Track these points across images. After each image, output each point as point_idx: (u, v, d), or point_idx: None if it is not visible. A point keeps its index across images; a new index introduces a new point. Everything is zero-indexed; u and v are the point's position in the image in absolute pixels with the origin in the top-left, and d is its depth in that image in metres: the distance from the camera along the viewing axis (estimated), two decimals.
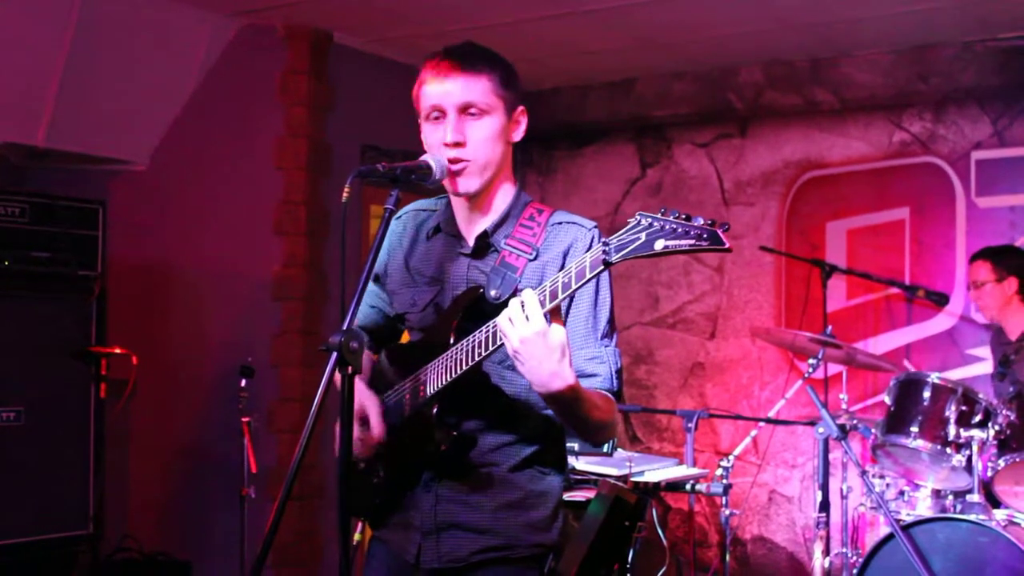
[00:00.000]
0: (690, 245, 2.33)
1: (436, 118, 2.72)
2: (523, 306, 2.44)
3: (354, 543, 2.96)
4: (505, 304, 2.53)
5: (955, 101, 6.67)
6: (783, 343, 6.21)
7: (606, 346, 2.74)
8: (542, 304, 2.44)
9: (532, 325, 2.42)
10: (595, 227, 2.79)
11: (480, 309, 2.66)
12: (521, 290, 2.52)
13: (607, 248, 2.37)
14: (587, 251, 2.63)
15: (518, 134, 2.85)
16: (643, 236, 2.35)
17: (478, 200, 2.78)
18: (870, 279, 6.32)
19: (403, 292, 2.87)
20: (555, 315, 2.49)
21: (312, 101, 6.34)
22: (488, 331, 2.54)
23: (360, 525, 2.93)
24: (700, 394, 7.29)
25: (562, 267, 2.68)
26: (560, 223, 2.79)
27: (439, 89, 2.72)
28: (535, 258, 2.73)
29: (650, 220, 2.35)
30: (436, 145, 2.70)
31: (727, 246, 2.31)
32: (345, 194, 2.49)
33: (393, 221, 2.88)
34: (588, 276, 2.40)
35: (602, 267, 2.39)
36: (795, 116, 7.14)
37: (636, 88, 7.57)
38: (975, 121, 6.62)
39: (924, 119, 6.76)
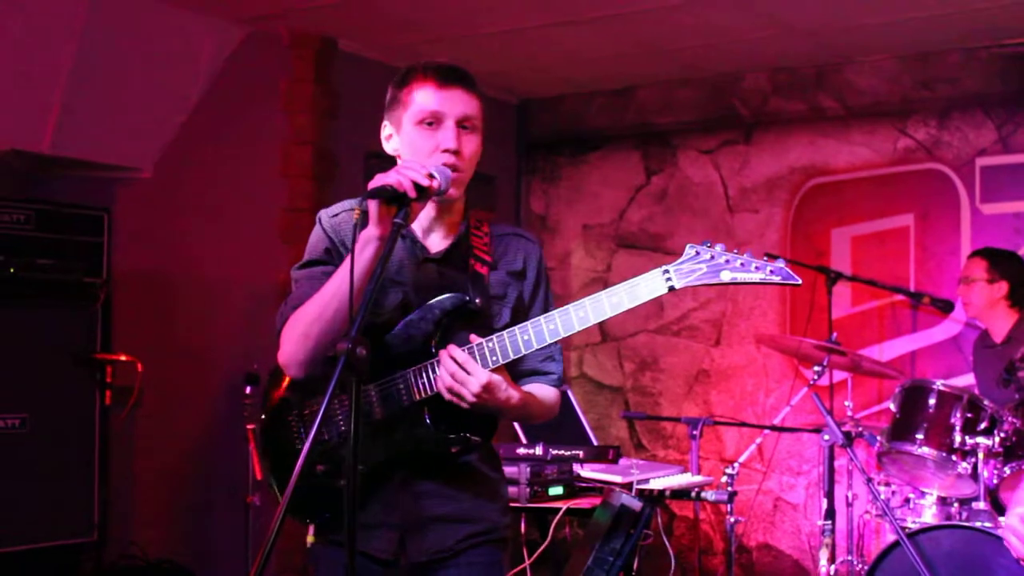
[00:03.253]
0: (760, 279, 2.53)
1: (430, 124, 2.78)
2: (460, 364, 2.66)
3: (309, 545, 2.96)
4: (485, 312, 2.80)
5: (959, 107, 6.68)
6: (788, 350, 6.20)
7: (556, 344, 2.88)
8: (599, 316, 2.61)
9: (477, 379, 2.65)
10: (537, 240, 3.04)
11: (461, 316, 2.77)
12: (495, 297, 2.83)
13: (668, 275, 2.56)
14: (538, 263, 2.97)
15: (480, 155, 2.93)
16: (704, 267, 2.54)
17: (448, 208, 2.87)
18: (875, 286, 6.32)
19: None
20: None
21: (317, 108, 6.35)
22: (495, 343, 2.68)
23: (312, 528, 2.94)
24: (705, 401, 7.29)
25: (526, 279, 2.93)
26: (505, 235, 2.98)
27: (441, 97, 2.79)
28: (495, 268, 2.89)
29: (710, 253, 2.55)
30: (427, 151, 2.76)
31: (799, 281, 2.51)
32: (355, 215, 2.54)
33: (330, 218, 2.91)
34: (644, 300, 2.59)
35: (665, 292, 2.57)
36: (800, 123, 7.15)
37: (640, 95, 7.58)
38: (979, 127, 6.63)
39: (929, 125, 6.76)
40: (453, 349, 2.67)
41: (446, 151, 2.74)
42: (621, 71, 7.29)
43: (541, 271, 2.97)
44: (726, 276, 2.51)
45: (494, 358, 2.67)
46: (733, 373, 7.23)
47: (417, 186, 2.58)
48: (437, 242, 2.88)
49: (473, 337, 2.70)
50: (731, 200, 7.31)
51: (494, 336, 2.69)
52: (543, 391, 2.94)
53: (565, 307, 2.64)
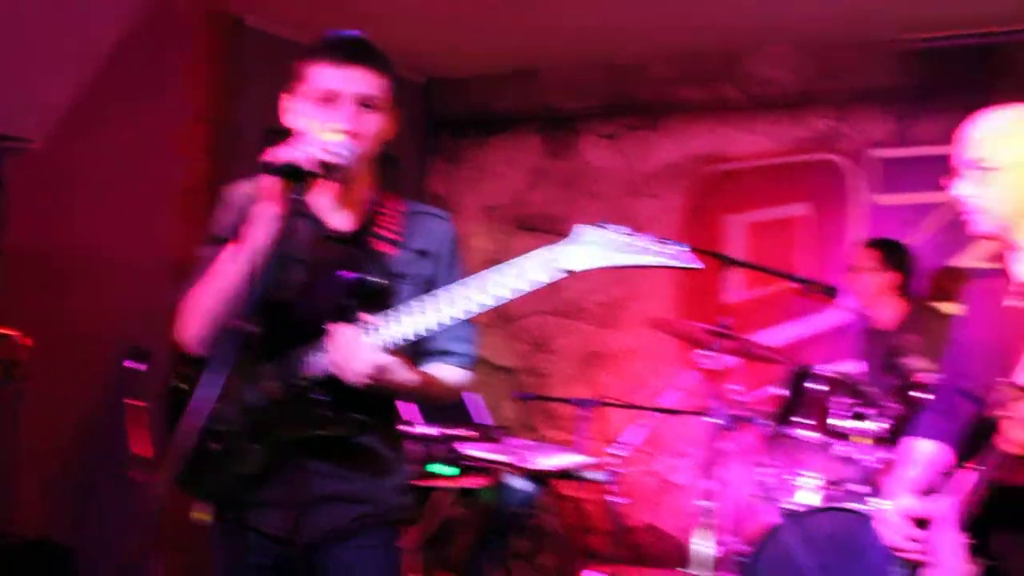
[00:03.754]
0: (657, 262, 2.49)
1: (328, 102, 2.76)
2: (350, 343, 2.63)
3: (201, 522, 2.95)
4: (387, 291, 2.75)
5: (858, 99, 6.76)
6: (680, 334, 6.25)
7: (469, 325, 2.92)
8: (483, 306, 2.60)
9: (366, 360, 2.63)
10: (451, 218, 3.01)
11: (361, 296, 2.74)
12: (397, 277, 2.80)
13: (559, 258, 2.53)
14: (453, 243, 2.95)
15: (390, 134, 2.91)
16: (600, 249, 2.51)
17: (353, 186, 2.85)
18: (767, 272, 6.35)
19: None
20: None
21: (219, 85, 6.28)
22: (389, 324, 2.66)
23: (203, 505, 2.93)
24: (596, 383, 7.30)
25: (436, 260, 2.91)
26: (417, 213, 2.95)
27: (339, 75, 2.76)
28: (403, 247, 2.87)
29: (607, 234, 2.52)
30: (323, 129, 2.73)
31: (700, 265, 2.49)
32: (252, 189, 2.53)
33: (235, 196, 2.93)
34: (541, 282, 2.55)
35: (563, 275, 2.53)
36: (702, 111, 7.19)
37: (545, 79, 7.59)
38: (877, 120, 6.72)
39: (827, 116, 6.84)
40: (343, 328, 2.66)
41: (340, 132, 2.71)
42: (527, 54, 7.30)
43: (454, 251, 2.95)
44: (622, 258, 2.50)
45: (386, 339, 2.65)
46: (625, 356, 7.27)
47: (317, 162, 2.58)
48: (342, 220, 2.87)
49: (367, 317, 2.68)
50: (632, 185, 7.35)
51: (388, 316, 2.67)
52: (448, 373, 2.94)
53: (459, 289, 2.62)
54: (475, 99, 7.84)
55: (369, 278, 2.74)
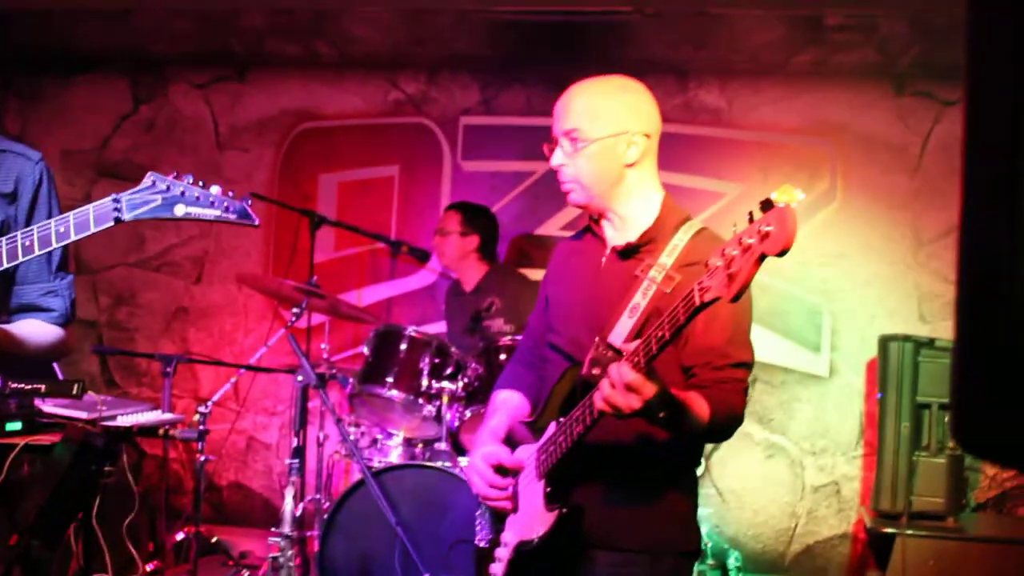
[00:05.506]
0: (216, 216, 2.45)
1: None
2: None
3: None
4: None
5: (448, 66, 6.92)
6: (268, 291, 6.19)
7: (62, 279, 2.81)
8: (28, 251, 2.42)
9: None
10: (41, 159, 2.81)
11: None
12: None
13: (118, 205, 2.41)
14: (37, 185, 2.76)
15: None
16: (159, 199, 2.42)
17: None
18: (357, 232, 6.41)
19: None
20: None
21: None
22: None
23: None
24: (183, 339, 7.16)
25: (19, 202, 2.74)
26: (2, 151, 2.76)
27: None
28: None
29: (167, 184, 2.43)
30: None
31: (257, 222, 2.46)
32: None
33: None
34: (93, 230, 2.43)
35: (112, 223, 2.42)
36: (295, 66, 7.13)
37: (134, 20, 7.24)
38: (465, 88, 6.90)
39: (418, 81, 6.96)
40: None
41: None
42: None
43: (41, 192, 2.77)
44: (180, 210, 2.44)
45: None
46: (213, 312, 7.14)
47: None
48: None
49: None
50: (221, 137, 7.19)
51: None
52: (35, 329, 2.79)
53: (13, 234, 2.47)
54: (56, 35, 7.37)
55: None
